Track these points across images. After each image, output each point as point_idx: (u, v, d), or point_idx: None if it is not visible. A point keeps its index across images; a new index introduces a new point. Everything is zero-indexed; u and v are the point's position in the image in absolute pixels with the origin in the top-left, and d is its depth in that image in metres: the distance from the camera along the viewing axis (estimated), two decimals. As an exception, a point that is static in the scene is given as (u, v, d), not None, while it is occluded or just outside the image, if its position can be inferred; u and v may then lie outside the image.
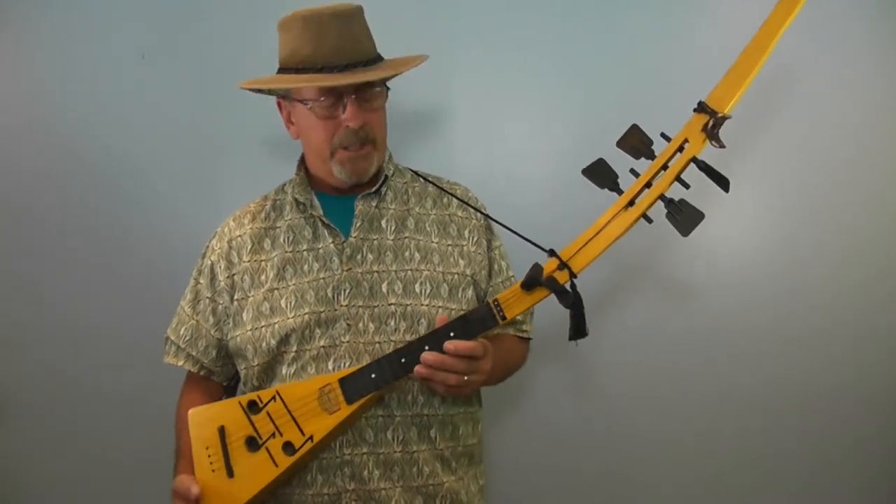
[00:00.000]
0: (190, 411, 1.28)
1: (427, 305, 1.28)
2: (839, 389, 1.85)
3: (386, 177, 1.38)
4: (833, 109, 1.87)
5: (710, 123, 1.13)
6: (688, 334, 1.88)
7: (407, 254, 1.32)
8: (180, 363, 1.41)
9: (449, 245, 1.35)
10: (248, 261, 1.36)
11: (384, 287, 1.29)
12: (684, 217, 1.12)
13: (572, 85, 1.93)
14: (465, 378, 1.16)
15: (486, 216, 1.41)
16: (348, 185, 1.35)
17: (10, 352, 1.95)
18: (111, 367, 1.93)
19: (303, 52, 1.28)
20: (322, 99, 1.28)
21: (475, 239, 1.38)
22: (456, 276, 1.32)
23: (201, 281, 1.41)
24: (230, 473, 1.22)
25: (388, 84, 1.35)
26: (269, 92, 1.42)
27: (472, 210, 1.41)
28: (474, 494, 1.32)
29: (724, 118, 1.13)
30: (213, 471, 1.23)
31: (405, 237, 1.34)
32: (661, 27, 1.92)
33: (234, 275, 1.36)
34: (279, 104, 1.41)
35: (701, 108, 1.15)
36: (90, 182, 1.95)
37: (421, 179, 1.44)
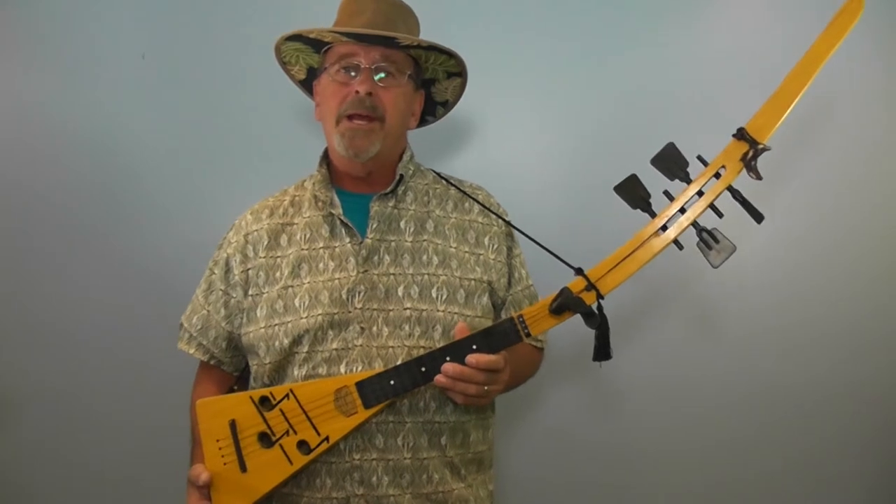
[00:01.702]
0: (198, 402, 1.28)
1: (443, 311, 1.27)
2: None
3: (402, 176, 1.35)
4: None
5: (750, 154, 1.12)
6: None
7: (425, 257, 1.30)
8: (191, 351, 1.40)
9: (467, 251, 1.33)
10: (264, 256, 1.34)
11: (400, 291, 1.27)
12: (716, 247, 1.12)
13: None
14: (485, 388, 1.17)
15: (508, 223, 1.39)
16: (351, 161, 1.31)
17: (10, 352, 1.95)
18: (112, 368, 1.94)
19: (339, 20, 1.37)
20: (342, 62, 1.30)
21: (495, 246, 1.36)
22: (473, 282, 1.31)
23: (215, 272, 1.39)
24: (243, 468, 1.22)
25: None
26: (300, 81, 1.46)
27: (493, 216, 1.39)
28: (483, 500, 1.33)
29: (764, 149, 1.12)
30: (225, 464, 1.23)
31: (424, 240, 1.32)
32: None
33: (248, 269, 1.34)
34: (314, 88, 1.42)
35: (741, 135, 1.13)
36: (90, 181, 1.95)
37: (443, 181, 1.41)
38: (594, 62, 1.94)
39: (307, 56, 1.40)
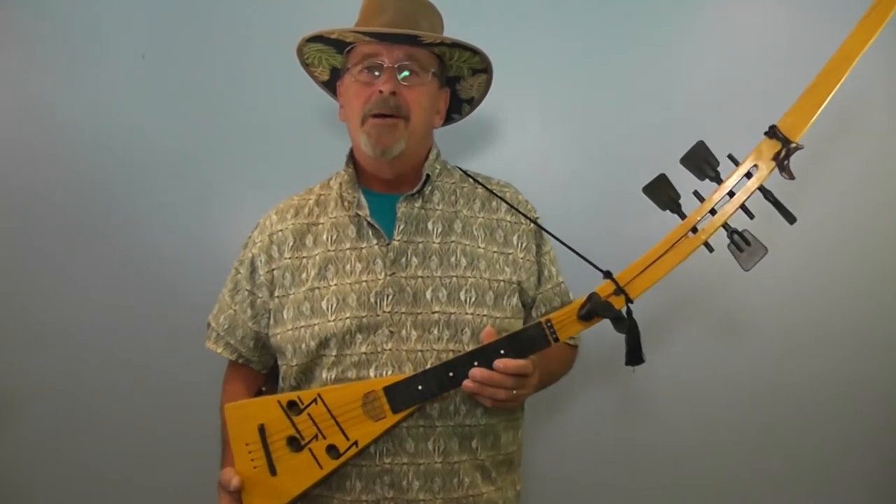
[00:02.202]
0: (226, 406, 1.28)
1: (472, 314, 1.26)
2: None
3: (428, 176, 1.34)
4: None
5: (783, 153, 1.10)
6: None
7: (453, 259, 1.29)
8: (219, 350, 1.40)
9: (495, 252, 1.32)
10: (290, 257, 1.33)
11: (428, 294, 1.26)
12: (747, 250, 1.10)
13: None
14: (514, 392, 1.16)
15: (535, 222, 1.38)
16: (377, 161, 1.29)
17: (10, 352, 1.95)
18: (112, 368, 1.94)
19: (361, 20, 1.35)
20: (365, 62, 1.29)
21: (524, 245, 1.35)
22: (502, 283, 1.30)
23: (241, 271, 1.38)
24: (273, 471, 1.22)
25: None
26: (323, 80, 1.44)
27: (521, 213, 1.37)
28: (511, 500, 1.33)
29: (797, 148, 1.10)
30: (255, 467, 1.23)
31: (452, 241, 1.31)
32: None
33: (273, 270, 1.33)
34: (338, 89, 1.40)
35: (773, 133, 1.11)
36: (90, 181, 1.95)
37: (470, 180, 1.40)
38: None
39: (330, 57, 1.38)
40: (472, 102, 1.46)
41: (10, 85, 1.96)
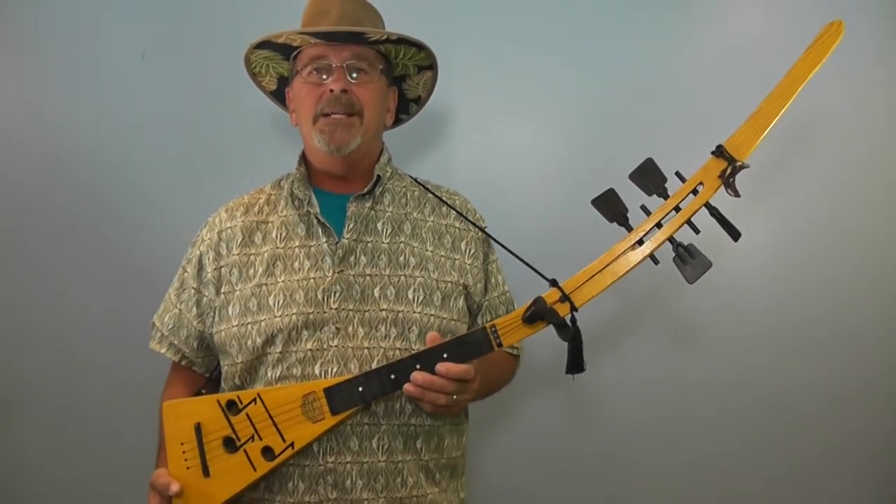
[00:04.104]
0: (164, 404, 1.25)
1: (419, 313, 1.26)
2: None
3: (379, 177, 1.35)
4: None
5: (728, 171, 1.12)
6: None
7: (402, 259, 1.29)
8: (163, 350, 1.38)
9: (443, 256, 1.33)
10: (238, 254, 1.32)
11: (376, 291, 1.26)
12: (692, 263, 1.11)
13: (573, 92, 1.95)
14: (455, 398, 1.16)
15: (483, 230, 1.39)
16: (331, 157, 1.31)
17: (10, 352, 1.93)
18: (112, 369, 1.92)
19: (305, 24, 1.36)
20: (313, 64, 1.30)
21: (472, 251, 1.36)
22: (449, 284, 1.30)
23: (188, 270, 1.37)
24: (206, 473, 1.19)
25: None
26: (270, 91, 1.47)
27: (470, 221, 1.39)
28: None
29: (743, 167, 1.12)
30: (188, 468, 1.20)
31: (401, 242, 1.31)
32: (665, 28, 1.95)
33: (221, 267, 1.32)
34: (287, 95, 1.42)
35: (719, 152, 1.14)
36: (89, 182, 1.95)
37: (420, 186, 1.41)
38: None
39: (277, 64, 1.40)
40: (420, 101, 1.48)
41: (9, 85, 1.97)
